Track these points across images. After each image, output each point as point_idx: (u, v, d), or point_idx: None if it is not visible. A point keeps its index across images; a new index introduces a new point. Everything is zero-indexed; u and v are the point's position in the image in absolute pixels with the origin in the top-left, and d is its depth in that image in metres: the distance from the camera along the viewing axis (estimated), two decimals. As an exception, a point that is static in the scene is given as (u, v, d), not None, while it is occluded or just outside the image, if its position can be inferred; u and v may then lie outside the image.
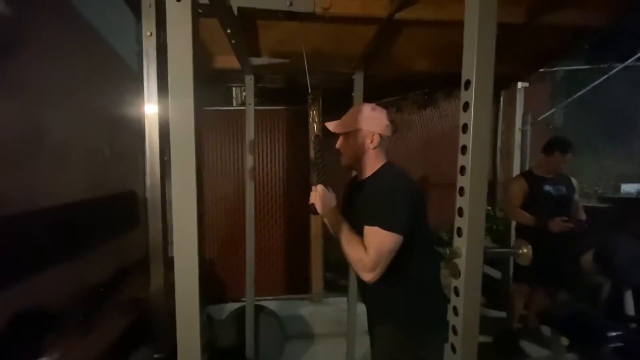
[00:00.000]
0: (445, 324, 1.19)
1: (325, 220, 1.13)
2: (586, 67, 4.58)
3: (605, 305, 2.39)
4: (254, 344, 1.99)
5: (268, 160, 2.95)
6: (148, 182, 1.22)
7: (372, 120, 1.15)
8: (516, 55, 2.42)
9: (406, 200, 1.06)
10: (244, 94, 3.63)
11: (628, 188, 4.18)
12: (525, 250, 0.81)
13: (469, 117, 0.71)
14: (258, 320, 2.06)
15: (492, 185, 4.30)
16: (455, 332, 0.77)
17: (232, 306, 2.64)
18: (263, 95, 2.84)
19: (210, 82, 2.71)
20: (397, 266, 1.09)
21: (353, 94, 1.87)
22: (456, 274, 0.75)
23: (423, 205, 1.15)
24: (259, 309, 2.10)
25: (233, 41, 1.30)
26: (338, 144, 1.20)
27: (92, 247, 1.60)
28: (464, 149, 0.73)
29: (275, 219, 3.00)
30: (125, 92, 1.39)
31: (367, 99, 1.87)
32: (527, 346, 2.48)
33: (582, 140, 4.82)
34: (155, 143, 1.24)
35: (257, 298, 2.03)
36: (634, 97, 4.76)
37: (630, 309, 2.25)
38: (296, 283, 3.02)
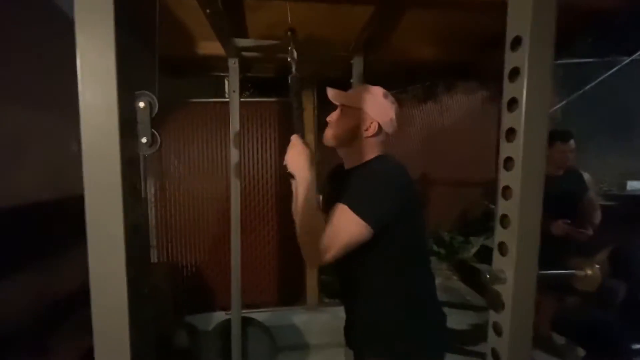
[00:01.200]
0: (442, 342, 1.02)
1: (293, 181, 0.91)
2: (590, 60, 4.42)
3: (620, 311, 2.22)
4: (241, 359, 1.78)
5: (259, 157, 2.73)
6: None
7: (377, 106, 0.97)
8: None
9: (392, 192, 0.87)
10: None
11: (634, 185, 4.03)
12: (589, 272, 0.61)
13: (520, 89, 0.50)
14: (246, 334, 1.85)
15: (493, 183, 4.15)
16: (495, 384, 0.56)
17: (220, 315, 2.43)
18: (253, 86, 2.62)
19: (198, 71, 2.48)
20: (388, 274, 0.94)
21: (352, 80, 1.66)
22: (498, 306, 0.55)
23: (416, 205, 0.97)
24: (246, 322, 1.89)
25: (208, 10, 1.08)
26: (329, 116, 1.02)
27: (50, 256, 1.39)
28: (510, 133, 0.53)
29: (267, 220, 2.78)
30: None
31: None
32: (539, 356, 2.30)
33: (585, 135, 4.65)
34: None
35: (245, 311, 1.82)
36: (638, 92, 4.61)
37: (650, 316, 2.08)
38: (289, 290, 2.82)
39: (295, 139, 0.92)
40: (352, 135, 0.97)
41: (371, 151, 0.98)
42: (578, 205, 2.24)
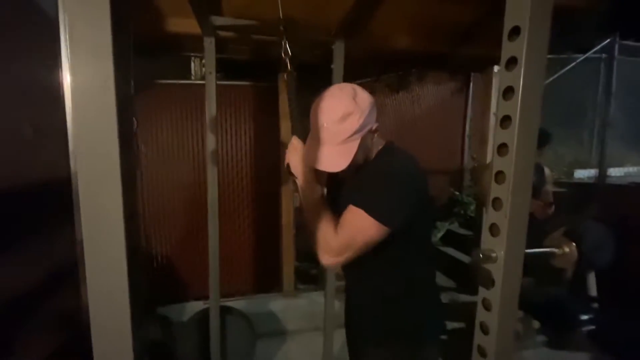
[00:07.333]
0: (440, 328, 1.02)
1: (298, 183, 0.89)
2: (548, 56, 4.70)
3: (568, 287, 2.47)
4: (219, 349, 1.76)
5: (233, 143, 2.64)
6: (73, 166, 0.92)
7: (365, 116, 0.83)
8: (495, 36, 2.34)
9: (409, 189, 0.85)
10: (204, 68, 3.24)
11: (580, 174, 4.42)
12: (567, 250, 0.66)
13: (517, 78, 0.53)
14: (225, 323, 1.82)
15: (460, 171, 4.36)
16: (484, 355, 0.61)
17: (194, 305, 2.38)
18: (227, 69, 2.51)
19: (162, 49, 2.32)
20: (396, 265, 0.92)
21: (332, 66, 1.64)
22: (488, 283, 0.59)
23: (427, 194, 0.94)
24: (225, 311, 1.86)
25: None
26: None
27: (5, 249, 1.27)
28: (506, 120, 0.55)
29: (242, 208, 2.73)
30: (38, 48, 1.05)
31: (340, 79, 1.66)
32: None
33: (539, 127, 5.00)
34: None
35: (223, 299, 1.78)
36: (586, 87, 5.00)
37: (593, 290, 2.33)
38: (266, 277, 2.81)
39: (295, 141, 0.88)
40: (365, 154, 0.89)
41: (377, 144, 0.93)
42: (536, 195, 2.43)
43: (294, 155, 0.88)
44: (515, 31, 0.53)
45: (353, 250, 0.82)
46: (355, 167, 0.87)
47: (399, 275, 0.93)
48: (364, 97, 0.85)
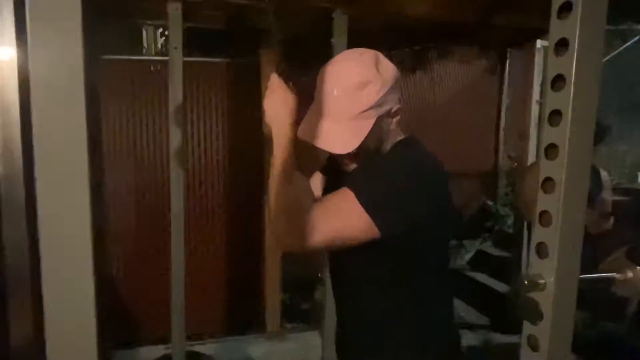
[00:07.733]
0: None
1: (273, 134, 0.85)
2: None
3: (631, 322, 2.54)
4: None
5: (202, 137, 2.66)
6: (0, 168, 0.94)
7: (387, 89, 0.83)
8: (535, 3, 2.41)
9: (421, 196, 0.85)
10: (161, 38, 3.26)
11: (646, 177, 4.53)
12: (630, 275, 0.70)
13: (569, 64, 0.57)
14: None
15: (494, 174, 4.44)
16: (530, 407, 0.64)
17: (151, 350, 2.37)
18: (194, 42, 2.53)
19: (103, 15, 2.33)
20: (399, 291, 0.94)
21: (332, 40, 1.69)
22: (535, 316, 0.62)
23: (445, 209, 0.94)
24: (191, 357, 1.87)
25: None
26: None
27: None
28: (555, 116, 0.59)
29: (213, 223, 2.74)
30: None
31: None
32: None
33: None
34: (12, 108, 0.95)
35: (188, 343, 1.80)
36: (652, 69, 5.12)
37: (662, 326, 2.40)
38: (244, 313, 2.82)
39: (275, 80, 0.85)
40: (383, 140, 0.91)
41: (396, 134, 0.93)
42: (590, 204, 2.49)
43: (273, 97, 0.85)
44: (566, 7, 0.57)
45: (322, 236, 0.78)
46: (362, 156, 0.88)
47: (402, 303, 0.94)
48: (389, 67, 0.85)
